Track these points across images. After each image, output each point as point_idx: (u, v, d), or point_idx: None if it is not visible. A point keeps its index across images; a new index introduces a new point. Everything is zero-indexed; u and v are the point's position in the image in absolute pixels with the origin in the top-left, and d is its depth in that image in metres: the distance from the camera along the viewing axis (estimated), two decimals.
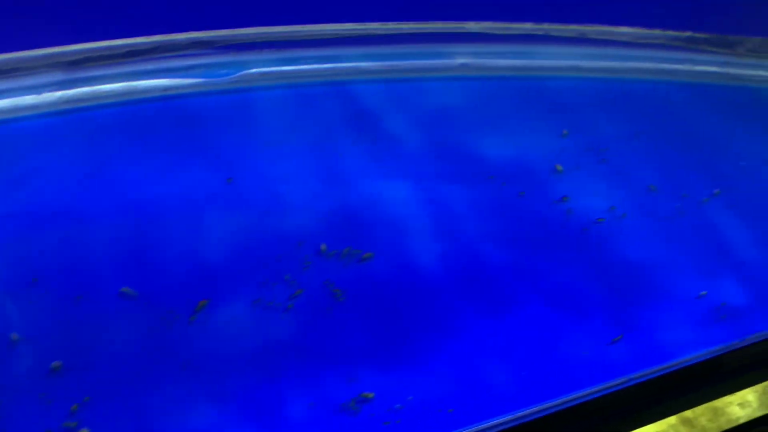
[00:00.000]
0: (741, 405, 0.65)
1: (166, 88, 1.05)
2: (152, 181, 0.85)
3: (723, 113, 1.06)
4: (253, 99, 1.05)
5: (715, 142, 0.99)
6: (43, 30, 1.02)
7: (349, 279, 0.73)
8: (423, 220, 0.80)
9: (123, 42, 1.05)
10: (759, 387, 0.66)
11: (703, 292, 0.74)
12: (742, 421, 0.64)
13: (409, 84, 1.10)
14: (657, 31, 1.16)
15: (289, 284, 0.72)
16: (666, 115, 1.04)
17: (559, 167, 0.91)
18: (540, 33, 1.16)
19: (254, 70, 1.08)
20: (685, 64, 1.15)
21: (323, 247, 0.75)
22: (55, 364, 0.65)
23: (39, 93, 1.00)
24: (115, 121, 0.99)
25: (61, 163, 0.88)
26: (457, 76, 1.13)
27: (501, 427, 0.63)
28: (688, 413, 0.63)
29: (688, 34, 1.16)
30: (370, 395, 0.66)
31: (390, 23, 1.13)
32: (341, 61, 1.11)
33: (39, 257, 0.73)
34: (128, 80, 1.04)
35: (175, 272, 0.73)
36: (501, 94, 1.08)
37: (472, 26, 1.15)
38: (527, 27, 1.16)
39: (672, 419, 0.62)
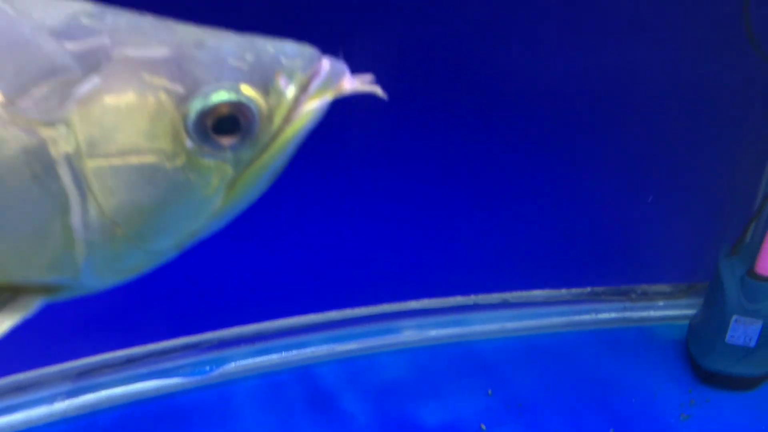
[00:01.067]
0: None
1: (158, 389, 1.25)
2: None
3: (621, 353, 1.26)
4: (230, 391, 1.24)
5: (613, 381, 1.17)
6: (55, 347, 1.24)
7: None
8: None
9: (123, 352, 1.27)
10: None
11: None
12: None
13: (363, 360, 1.31)
14: (564, 291, 1.40)
15: None
16: (574, 363, 1.24)
17: (483, 426, 1.08)
18: (470, 303, 1.39)
19: (233, 364, 1.29)
20: (589, 314, 1.38)
21: None
22: None
23: (51, 404, 1.19)
24: (113, 424, 1.17)
25: None
26: (403, 348, 1.34)
27: None
28: None
29: (589, 289, 1.40)
30: None
31: (346, 310, 1.37)
32: (306, 347, 1.33)
33: None
34: (126, 385, 1.24)
35: None
36: (438, 360, 1.29)
37: (414, 304, 1.38)
38: (458, 299, 1.39)
39: None
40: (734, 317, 1.15)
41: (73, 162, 0.39)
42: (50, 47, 0.38)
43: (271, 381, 1.26)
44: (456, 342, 1.35)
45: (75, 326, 1.23)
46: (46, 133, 0.38)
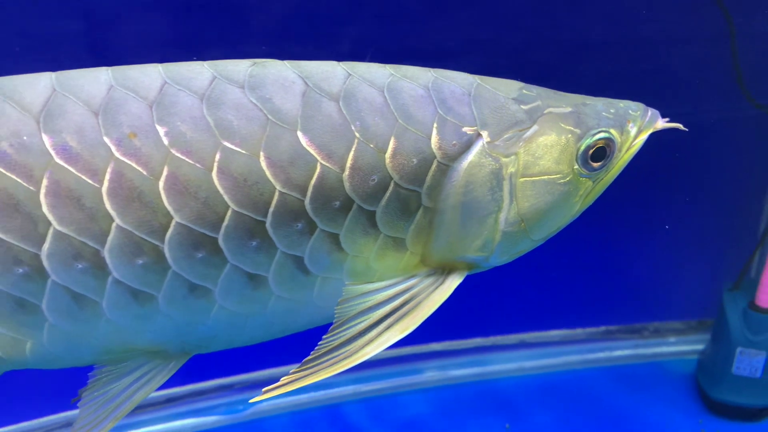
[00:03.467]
0: None
1: (195, 426, 1.32)
2: None
3: (634, 388, 1.31)
4: (262, 428, 1.32)
5: (626, 415, 1.22)
6: None
7: None
8: None
9: (163, 393, 1.36)
10: None
11: None
12: None
13: (387, 399, 1.37)
14: (579, 330, 1.46)
15: None
16: (589, 398, 1.29)
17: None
18: (489, 344, 1.46)
19: (264, 404, 1.36)
20: (604, 351, 1.43)
21: None
22: None
23: None
24: None
25: None
26: (425, 388, 1.40)
27: None
28: None
29: (603, 328, 1.46)
30: None
31: None
32: (333, 387, 1.40)
33: None
34: (166, 423, 1.32)
35: None
36: (459, 398, 1.35)
37: (436, 346, 1.45)
38: (478, 341, 1.46)
39: None
40: (739, 349, 1.19)
41: (512, 179, 0.63)
42: (515, 108, 0.64)
43: (300, 418, 1.33)
44: (476, 381, 1.40)
45: None
46: (504, 161, 0.62)
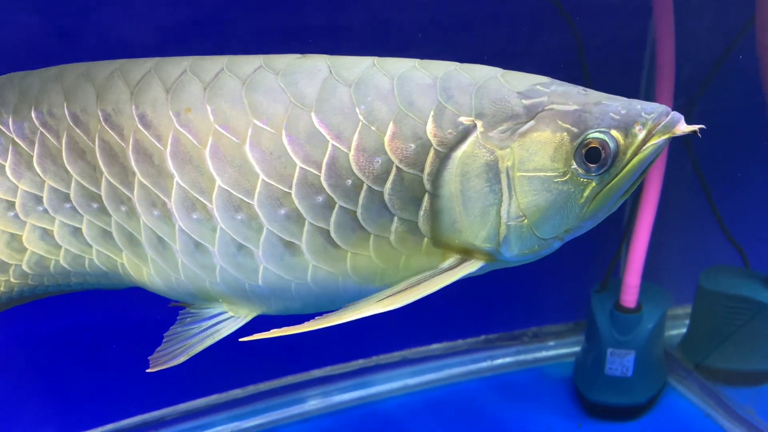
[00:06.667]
0: None
1: None
2: None
3: (516, 395, 1.32)
4: None
5: (509, 423, 1.22)
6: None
7: None
8: None
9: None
10: None
11: None
12: None
13: None
14: (460, 341, 1.45)
15: None
16: (472, 410, 1.28)
17: None
18: (371, 364, 1.42)
19: None
20: (486, 361, 1.42)
21: None
22: None
23: None
24: None
25: None
26: (308, 417, 1.34)
27: None
28: None
29: (483, 337, 1.45)
30: None
31: (249, 386, 1.37)
32: (210, 428, 1.32)
33: None
34: None
35: None
36: (343, 425, 1.30)
37: (317, 373, 1.39)
38: (360, 362, 1.42)
39: None
40: (609, 350, 1.21)
41: (509, 173, 0.64)
42: (515, 102, 0.64)
43: None
44: (360, 404, 1.36)
45: None
46: (499, 153, 0.63)
